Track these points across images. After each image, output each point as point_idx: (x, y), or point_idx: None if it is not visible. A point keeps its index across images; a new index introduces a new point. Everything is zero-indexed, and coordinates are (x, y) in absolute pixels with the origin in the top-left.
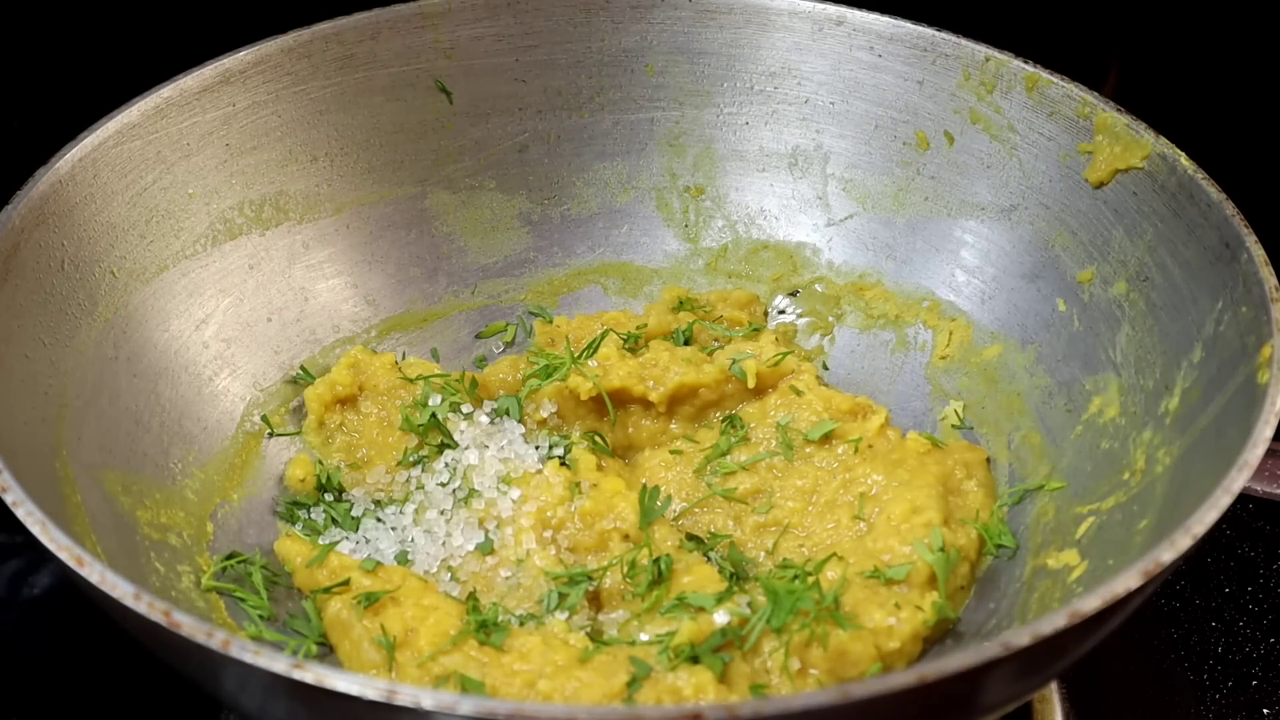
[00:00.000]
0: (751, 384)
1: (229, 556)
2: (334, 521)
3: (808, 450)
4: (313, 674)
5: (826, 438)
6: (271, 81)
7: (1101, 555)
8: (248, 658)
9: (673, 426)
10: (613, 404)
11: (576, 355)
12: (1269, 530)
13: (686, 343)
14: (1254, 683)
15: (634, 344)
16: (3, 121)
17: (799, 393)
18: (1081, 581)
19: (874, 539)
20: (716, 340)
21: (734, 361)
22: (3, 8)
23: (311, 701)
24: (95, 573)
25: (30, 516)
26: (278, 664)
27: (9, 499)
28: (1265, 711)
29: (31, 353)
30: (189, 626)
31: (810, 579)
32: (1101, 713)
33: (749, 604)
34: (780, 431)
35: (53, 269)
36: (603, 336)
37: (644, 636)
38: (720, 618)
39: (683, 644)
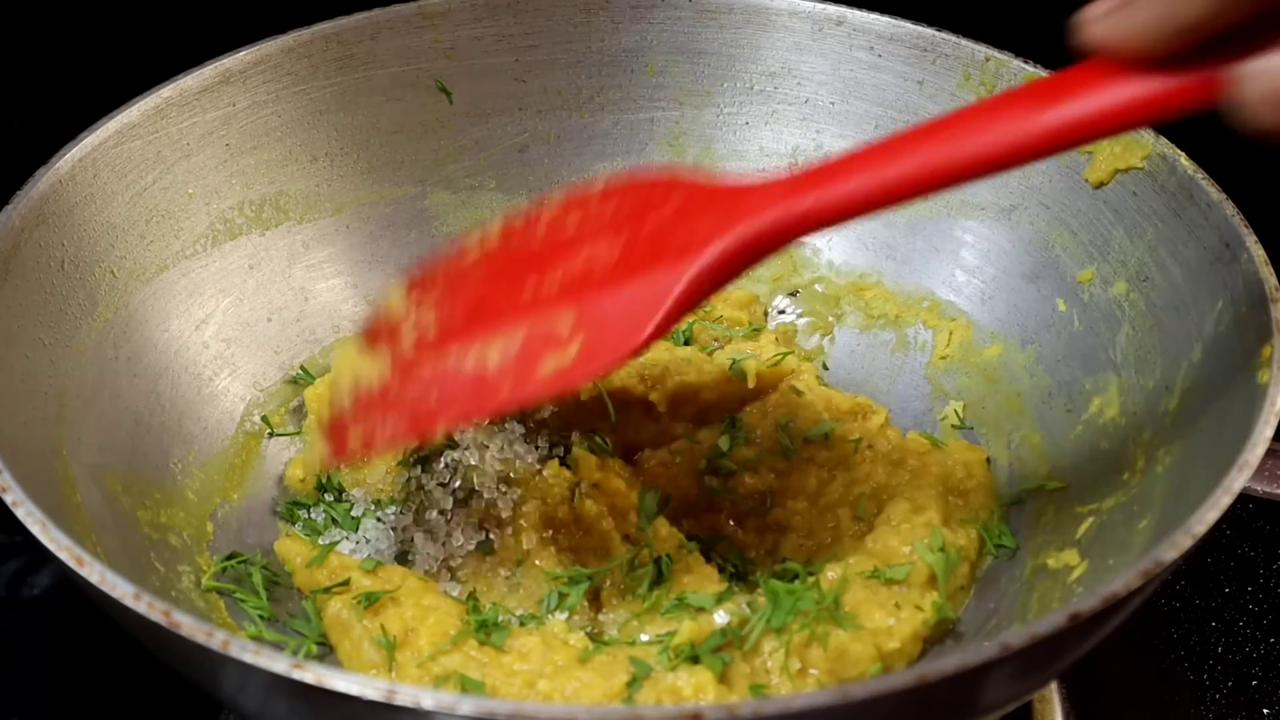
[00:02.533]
0: (751, 384)
1: (229, 557)
2: (334, 521)
3: (808, 450)
4: (313, 674)
5: (827, 437)
6: (271, 81)
7: (1101, 555)
8: (248, 658)
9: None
10: (614, 405)
11: None
12: (1269, 530)
13: (686, 343)
14: (1254, 683)
15: None
16: (3, 121)
17: (799, 393)
18: (1081, 581)
19: (874, 539)
20: (716, 340)
21: (734, 362)
22: (2, 8)
23: (311, 701)
24: (95, 573)
25: (30, 516)
26: (278, 664)
27: (9, 499)
28: (1265, 711)
29: (31, 353)
30: (189, 626)
31: (810, 579)
32: (1101, 713)
33: (749, 604)
34: (781, 432)
35: (53, 269)
36: None
37: (644, 637)
38: (720, 618)
39: (682, 644)
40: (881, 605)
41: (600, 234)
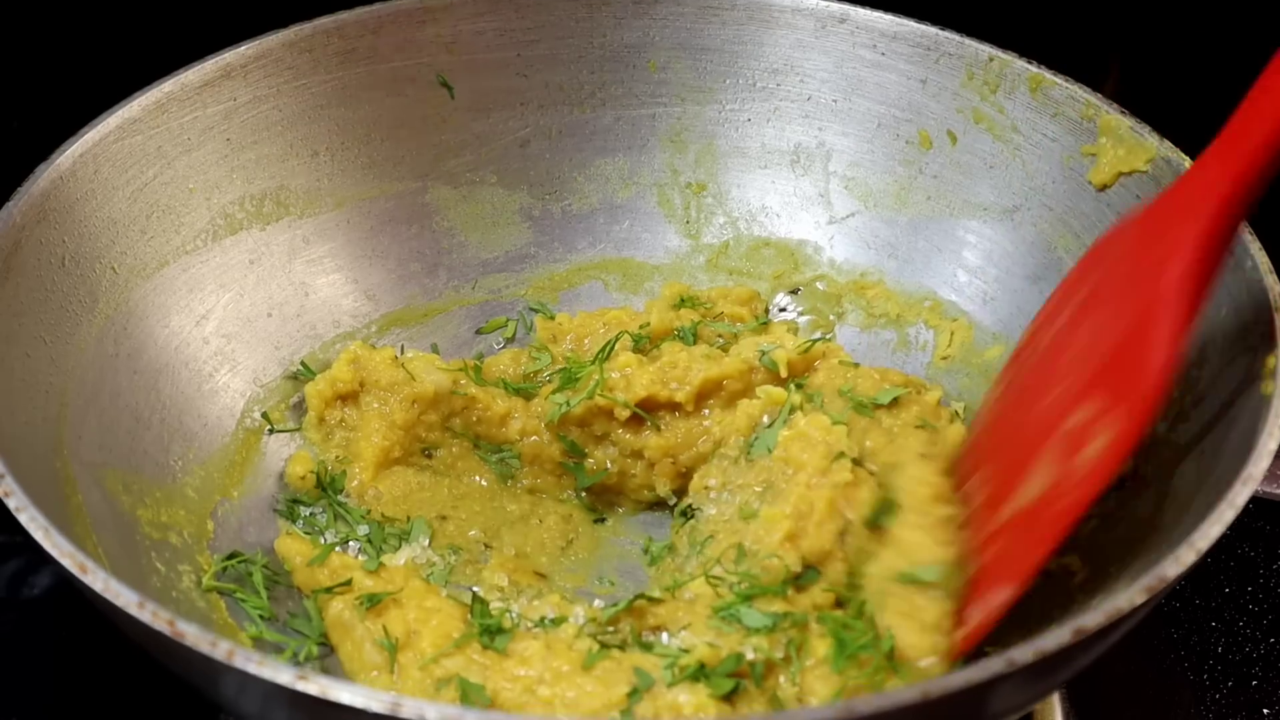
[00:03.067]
0: (784, 374)
1: (229, 556)
2: (336, 519)
3: (877, 415)
4: (317, 685)
5: (896, 402)
6: (272, 76)
7: (1103, 560)
8: (251, 668)
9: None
10: (640, 413)
11: (594, 360)
12: (1269, 530)
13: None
14: (1254, 683)
15: (643, 345)
16: (3, 121)
17: (855, 365)
18: (1083, 587)
19: (901, 524)
20: (720, 337)
21: (763, 353)
22: (2, 8)
23: (315, 712)
24: (99, 580)
25: (33, 522)
26: (282, 675)
27: (12, 504)
28: (1265, 711)
29: (32, 350)
30: (193, 636)
31: (856, 594)
32: (1101, 713)
33: (791, 641)
34: (847, 396)
35: (53, 266)
36: (616, 340)
37: (665, 637)
38: (748, 653)
39: (690, 664)
40: (912, 618)
41: (1078, 325)
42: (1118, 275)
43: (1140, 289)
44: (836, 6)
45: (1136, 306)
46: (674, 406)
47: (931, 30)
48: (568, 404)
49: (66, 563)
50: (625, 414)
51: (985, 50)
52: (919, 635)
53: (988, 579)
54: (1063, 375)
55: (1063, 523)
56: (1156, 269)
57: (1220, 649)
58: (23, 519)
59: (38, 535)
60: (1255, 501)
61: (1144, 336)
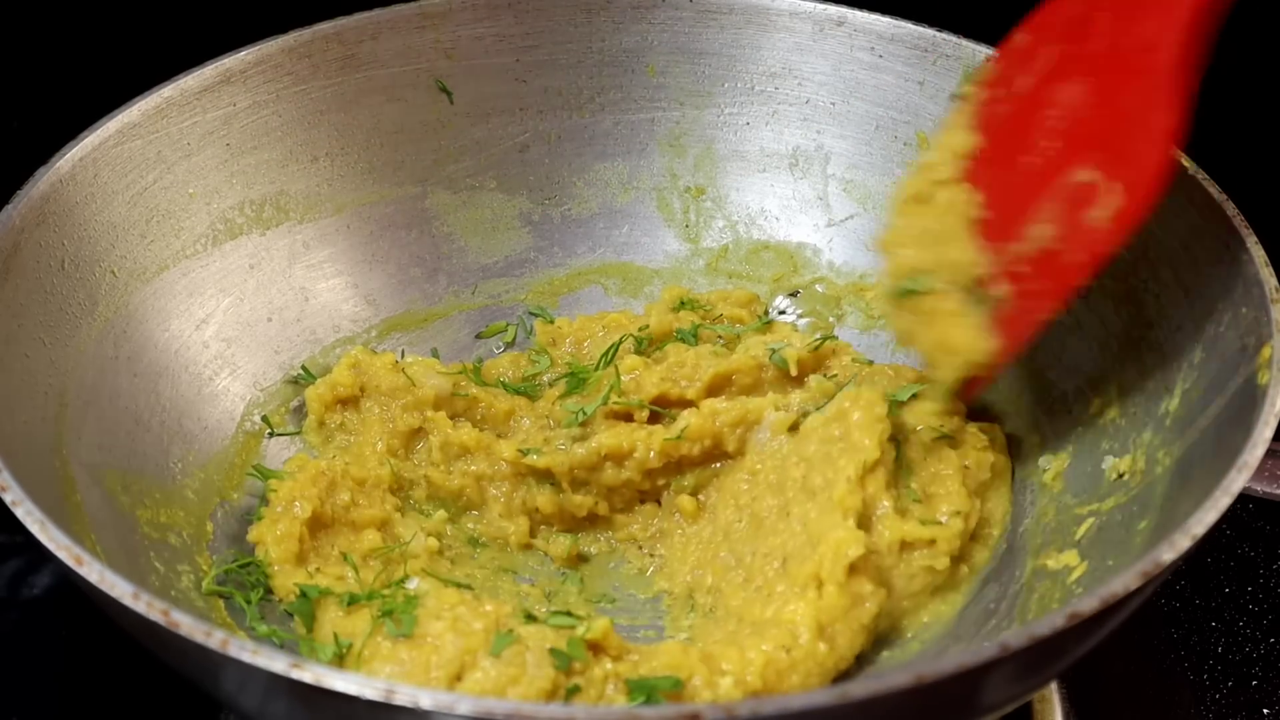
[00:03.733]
0: (794, 372)
1: (230, 561)
2: None
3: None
4: (311, 673)
5: (915, 397)
6: (272, 81)
7: (1101, 556)
8: (246, 657)
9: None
10: (658, 410)
11: (599, 364)
12: (1269, 530)
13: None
14: (1254, 683)
15: (644, 347)
16: (3, 121)
17: (869, 362)
18: (1081, 582)
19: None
20: (720, 338)
21: (773, 351)
22: (2, 8)
23: (309, 700)
24: (94, 572)
25: (29, 516)
26: (276, 663)
27: (8, 498)
28: (1265, 711)
29: (31, 352)
30: (187, 626)
31: None
32: (1101, 713)
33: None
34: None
35: (53, 268)
36: (620, 343)
37: None
38: None
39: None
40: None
41: (1055, 79)
42: (1099, 45)
43: (1132, 65)
44: (834, 9)
45: (1132, 84)
46: (685, 404)
47: (929, 32)
48: (583, 411)
49: (63, 555)
50: (644, 415)
51: (982, 51)
52: (972, 333)
53: (1009, 315)
54: (1051, 130)
55: (1072, 280)
56: (1148, 48)
57: (1220, 649)
58: (19, 513)
59: (34, 529)
60: (1255, 502)
61: (1145, 117)
